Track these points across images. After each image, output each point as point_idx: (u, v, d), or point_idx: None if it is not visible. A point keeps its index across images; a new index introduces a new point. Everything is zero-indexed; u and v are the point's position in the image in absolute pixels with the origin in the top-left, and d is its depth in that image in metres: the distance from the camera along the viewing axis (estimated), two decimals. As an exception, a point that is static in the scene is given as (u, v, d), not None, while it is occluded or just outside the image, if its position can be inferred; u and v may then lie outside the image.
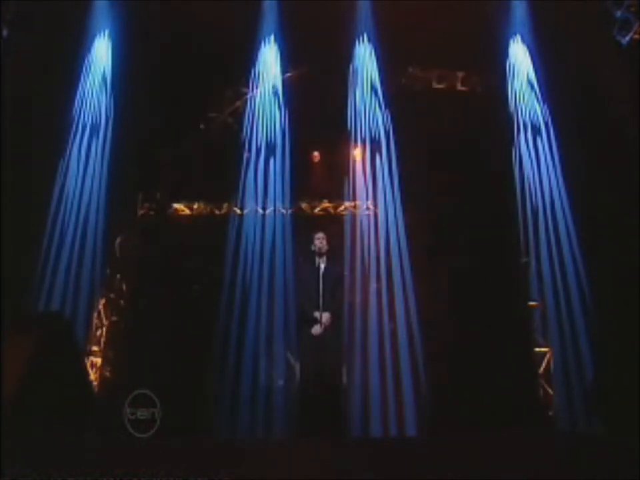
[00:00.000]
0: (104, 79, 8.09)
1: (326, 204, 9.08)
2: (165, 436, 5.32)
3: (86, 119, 7.99)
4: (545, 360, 8.00)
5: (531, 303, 8.09)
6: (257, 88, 8.61)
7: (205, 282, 8.62)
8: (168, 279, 8.62)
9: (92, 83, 8.06)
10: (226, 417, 7.55)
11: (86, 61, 8.03)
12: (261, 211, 8.60)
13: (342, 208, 8.93)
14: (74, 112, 7.94)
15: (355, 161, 8.65)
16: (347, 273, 7.17)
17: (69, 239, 7.70)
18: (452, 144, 8.35)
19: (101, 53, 8.12)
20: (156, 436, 5.56)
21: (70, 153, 7.86)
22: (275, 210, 8.53)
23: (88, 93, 8.04)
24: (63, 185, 7.75)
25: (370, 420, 7.49)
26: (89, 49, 8.05)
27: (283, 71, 8.68)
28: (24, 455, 3.52)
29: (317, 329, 5.95)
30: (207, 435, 7.14)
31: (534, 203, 7.93)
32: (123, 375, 7.98)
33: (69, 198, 7.77)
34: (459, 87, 8.50)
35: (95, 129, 7.98)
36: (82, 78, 8.02)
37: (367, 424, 7.45)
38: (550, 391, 7.87)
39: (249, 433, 7.46)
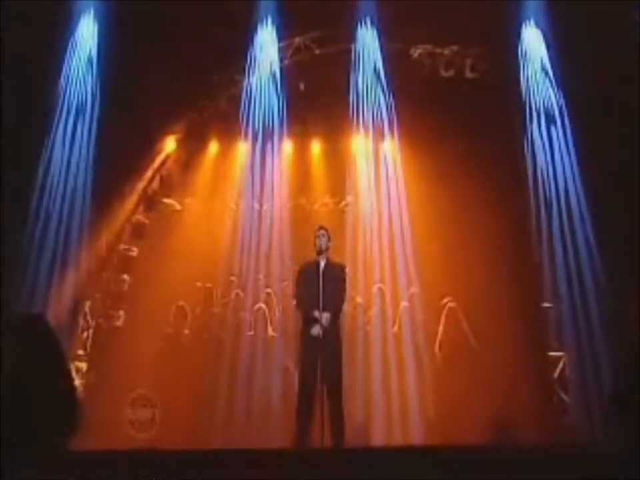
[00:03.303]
0: (90, 59, 7.65)
1: (326, 199, 8.60)
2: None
3: (71, 100, 7.57)
4: (560, 364, 7.56)
5: (545, 305, 7.63)
6: (253, 74, 8.17)
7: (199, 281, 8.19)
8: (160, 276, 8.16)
9: (77, 62, 7.62)
10: (222, 421, 7.21)
11: (71, 40, 7.60)
12: (257, 206, 8.25)
13: (343, 203, 8.46)
14: (58, 93, 7.52)
15: (356, 153, 8.26)
16: (347, 271, 6.77)
17: (51, 234, 7.28)
18: (461, 133, 7.91)
19: (87, 32, 7.67)
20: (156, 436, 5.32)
21: (54, 138, 7.44)
22: (272, 206, 8.17)
23: (73, 72, 7.60)
24: (46, 174, 7.33)
25: (372, 427, 7.18)
26: (74, 28, 7.61)
27: (281, 57, 8.25)
28: (24, 455, 3.18)
29: (316, 330, 5.61)
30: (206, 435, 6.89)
31: (547, 194, 7.54)
32: (111, 380, 7.47)
33: (52, 188, 7.36)
34: (468, 74, 8.08)
35: (80, 111, 7.57)
36: (67, 57, 7.57)
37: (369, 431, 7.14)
38: (565, 397, 7.44)
39: (246, 437, 7.08)
